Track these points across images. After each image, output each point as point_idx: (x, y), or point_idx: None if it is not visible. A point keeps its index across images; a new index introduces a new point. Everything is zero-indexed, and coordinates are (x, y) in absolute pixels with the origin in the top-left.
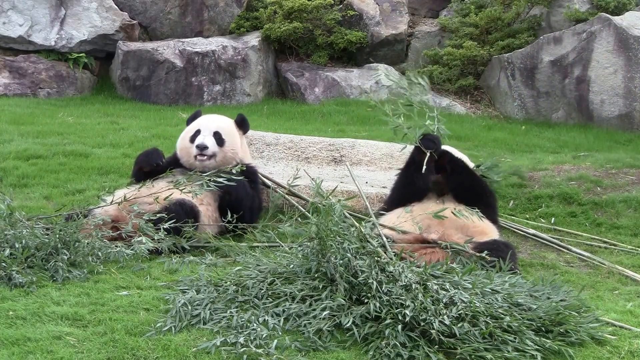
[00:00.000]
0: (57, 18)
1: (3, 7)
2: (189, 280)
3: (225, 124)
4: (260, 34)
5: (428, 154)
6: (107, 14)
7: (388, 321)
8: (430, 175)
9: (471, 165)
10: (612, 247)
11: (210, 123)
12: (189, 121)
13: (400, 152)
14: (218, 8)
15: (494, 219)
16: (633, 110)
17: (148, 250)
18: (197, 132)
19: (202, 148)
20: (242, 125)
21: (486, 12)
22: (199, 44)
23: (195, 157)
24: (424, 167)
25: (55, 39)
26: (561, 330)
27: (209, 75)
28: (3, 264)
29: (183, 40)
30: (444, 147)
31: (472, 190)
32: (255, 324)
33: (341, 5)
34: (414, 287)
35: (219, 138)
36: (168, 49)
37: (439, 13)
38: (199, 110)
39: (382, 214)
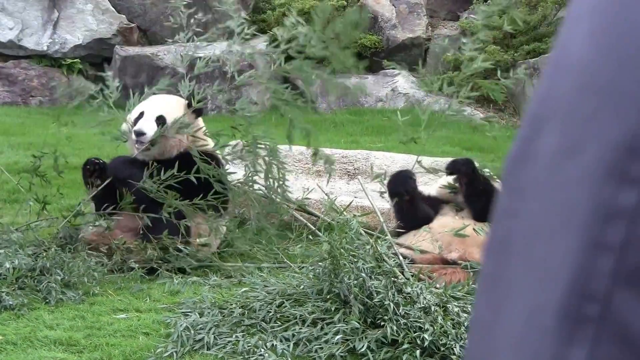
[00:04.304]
0: (50, 21)
1: None
2: (192, 302)
3: (172, 106)
4: (268, 38)
5: (395, 201)
6: (104, 16)
7: (406, 346)
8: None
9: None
10: None
11: (155, 105)
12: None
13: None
14: (223, 10)
15: None
16: None
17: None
18: (140, 116)
19: (139, 134)
20: (198, 109)
21: (511, 14)
22: (202, 49)
23: (135, 144)
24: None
25: (47, 44)
26: None
27: (213, 82)
28: None
29: (185, 44)
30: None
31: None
32: (262, 349)
33: (355, 7)
34: (433, 309)
35: (163, 122)
36: (169, 54)
37: (460, 15)
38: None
39: (399, 232)
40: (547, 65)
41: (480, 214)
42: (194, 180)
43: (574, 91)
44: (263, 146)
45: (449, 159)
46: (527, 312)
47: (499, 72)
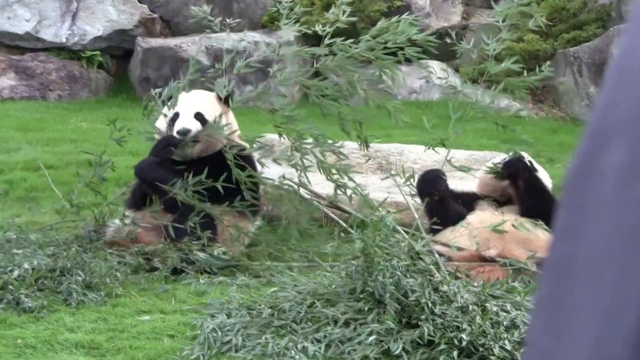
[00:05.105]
0: (69, 12)
1: (8, 1)
2: (219, 303)
3: (206, 102)
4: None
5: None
6: (125, 7)
7: (442, 347)
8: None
9: (549, 183)
10: None
11: (190, 103)
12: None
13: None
14: (248, 0)
15: None
16: None
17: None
18: (176, 116)
19: (183, 133)
20: (227, 99)
21: (549, 1)
22: (228, 40)
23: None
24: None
25: (66, 36)
26: None
27: (239, 74)
28: (10, 286)
29: (210, 35)
30: (521, 154)
31: (544, 216)
32: (293, 351)
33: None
34: (470, 308)
35: (201, 119)
36: (193, 46)
37: (497, 2)
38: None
39: (435, 229)
40: (610, 73)
41: (533, 212)
42: (220, 187)
43: None
44: (311, 142)
45: (486, 153)
46: (594, 341)
47: (525, 71)
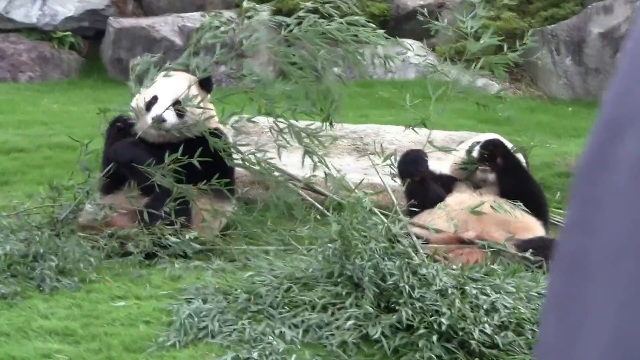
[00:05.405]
0: None
1: None
2: (195, 288)
3: (186, 87)
4: (271, 7)
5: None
6: None
7: (422, 331)
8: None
9: (524, 162)
10: None
11: (169, 89)
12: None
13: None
14: None
15: (545, 220)
16: None
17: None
18: (154, 100)
19: (158, 121)
20: (207, 85)
21: None
22: (202, 20)
23: (151, 129)
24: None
25: (37, 16)
26: None
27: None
28: None
29: (183, 15)
30: (495, 136)
31: (524, 196)
32: (270, 337)
33: None
34: (450, 292)
35: (179, 111)
36: (166, 26)
37: None
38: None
39: (413, 211)
40: (622, 59)
41: (512, 192)
42: (196, 163)
43: None
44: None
45: (464, 133)
46: (610, 339)
47: (505, 47)
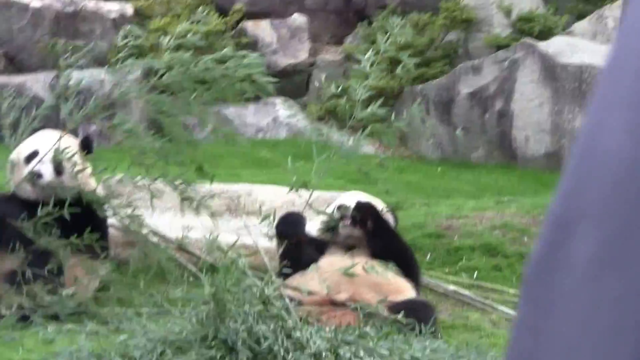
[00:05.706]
0: None
1: None
2: (68, 352)
3: (67, 147)
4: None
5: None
6: None
7: None
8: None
9: (393, 224)
10: None
11: (49, 145)
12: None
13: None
14: (94, 35)
15: (417, 282)
16: (561, 148)
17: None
18: (34, 154)
19: (36, 177)
20: (88, 146)
21: (394, 38)
22: (73, 77)
23: (28, 184)
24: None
25: None
26: None
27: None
28: None
29: (54, 72)
30: (364, 197)
31: (394, 258)
32: None
33: (233, 32)
34: (324, 355)
35: (58, 165)
36: (37, 83)
37: (344, 39)
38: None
39: (286, 273)
40: (572, 157)
41: (382, 255)
42: (67, 215)
43: (609, 189)
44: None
45: (333, 194)
46: None
47: (392, 116)
